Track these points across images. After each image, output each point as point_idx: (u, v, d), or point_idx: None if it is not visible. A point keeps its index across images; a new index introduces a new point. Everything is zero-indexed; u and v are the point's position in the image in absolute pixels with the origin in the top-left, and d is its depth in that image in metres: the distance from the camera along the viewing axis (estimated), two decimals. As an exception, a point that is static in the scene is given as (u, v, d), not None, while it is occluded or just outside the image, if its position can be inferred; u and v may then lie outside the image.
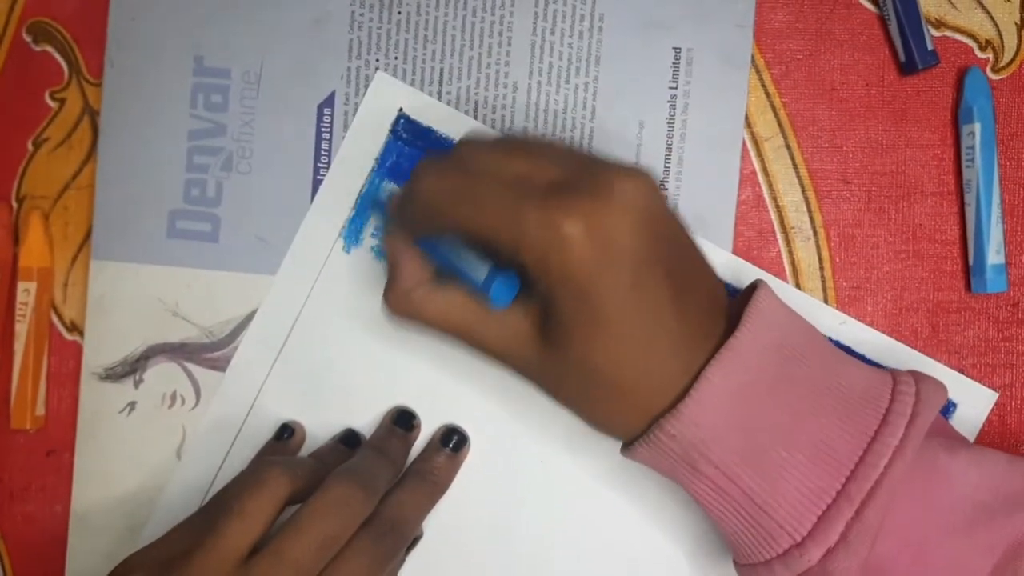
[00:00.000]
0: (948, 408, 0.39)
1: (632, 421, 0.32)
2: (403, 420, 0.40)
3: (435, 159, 0.32)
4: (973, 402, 0.39)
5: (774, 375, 0.31)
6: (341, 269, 0.40)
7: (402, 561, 0.38)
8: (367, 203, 0.40)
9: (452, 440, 0.40)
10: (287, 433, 0.40)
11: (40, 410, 0.41)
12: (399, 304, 0.34)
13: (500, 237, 0.29)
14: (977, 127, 0.39)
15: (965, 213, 0.40)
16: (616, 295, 0.29)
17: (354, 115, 0.40)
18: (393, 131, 0.40)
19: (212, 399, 0.41)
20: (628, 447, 0.33)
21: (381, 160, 0.40)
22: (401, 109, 0.40)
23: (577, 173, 0.30)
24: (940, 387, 0.33)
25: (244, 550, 0.32)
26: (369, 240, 0.40)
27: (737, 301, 0.34)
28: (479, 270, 0.32)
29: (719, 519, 0.32)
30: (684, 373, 0.31)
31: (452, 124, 0.40)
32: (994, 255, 0.39)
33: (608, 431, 0.33)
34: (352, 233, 0.40)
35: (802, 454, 0.30)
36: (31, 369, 0.40)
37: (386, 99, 0.40)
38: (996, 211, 0.39)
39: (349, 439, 0.40)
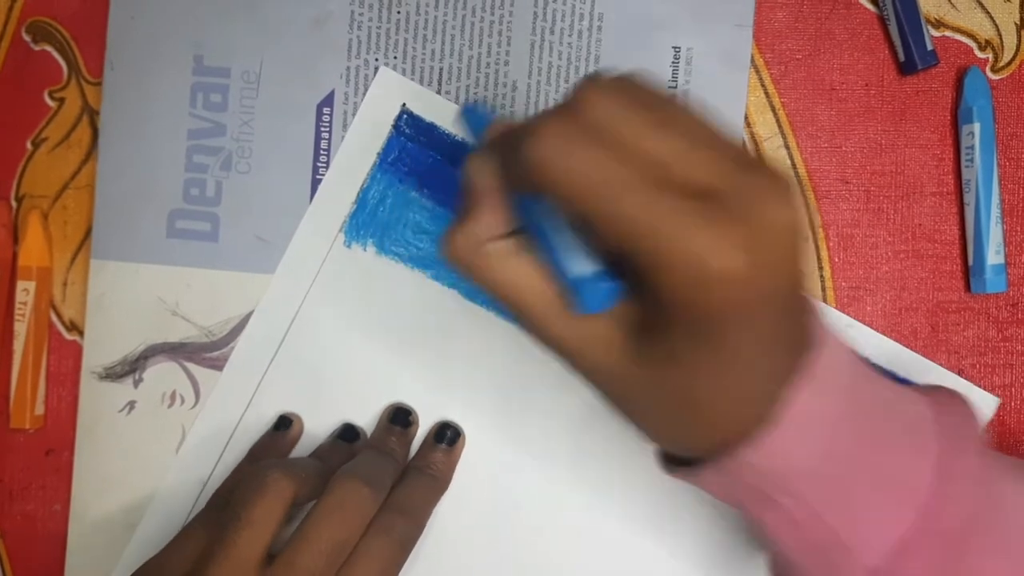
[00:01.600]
0: None
1: (703, 442, 0.29)
2: (400, 417, 0.40)
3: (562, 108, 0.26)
4: (975, 406, 0.39)
5: (848, 402, 0.29)
6: (341, 265, 0.40)
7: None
8: (366, 200, 0.40)
9: (446, 435, 0.40)
10: (285, 424, 0.40)
11: (39, 409, 0.41)
12: (465, 252, 0.28)
13: (636, 243, 0.24)
14: (977, 127, 0.39)
15: (964, 213, 0.40)
16: (748, 337, 0.26)
17: (354, 114, 0.40)
18: (396, 126, 0.40)
19: (209, 396, 0.41)
20: (688, 470, 0.30)
21: (383, 155, 0.40)
22: (404, 104, 0.40)
23: (730, 178, 0.25)
24: (967, 403, 0.32)
25: (257, 559, 0.32)
26: (371, 247, 0.40)
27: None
28: (580, 264, 0.27)
29: (784, 550, 0.30)
30: (766, 399, 0.27)
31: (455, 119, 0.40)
32: (993, 255, 0.39)
33: (670, 447, 0.30)
34: (353, 228, 0.40)
35: (878, 486, 0.29)
36: (30, 369, 0.41)
37: (389, 94, 0.40)
38: (996, 211, 0.39)
39: (347, 433, 0.40)
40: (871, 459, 0.29)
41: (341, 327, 0.40)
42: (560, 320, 0.28)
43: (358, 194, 0.40)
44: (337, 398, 0.40)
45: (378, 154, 0.40)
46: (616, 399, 0.29)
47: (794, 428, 0.27)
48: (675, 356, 0.26)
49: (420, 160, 0.40)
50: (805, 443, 0.28)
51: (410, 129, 0.40)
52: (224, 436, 0.41)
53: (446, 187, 0.40)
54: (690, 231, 0.24)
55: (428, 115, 0.40)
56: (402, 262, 0.40)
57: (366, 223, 0.40)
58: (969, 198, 0.39)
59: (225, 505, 0.35)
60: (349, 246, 0.40)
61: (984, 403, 0.39)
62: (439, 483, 0.39)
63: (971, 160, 0.39)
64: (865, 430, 0.29)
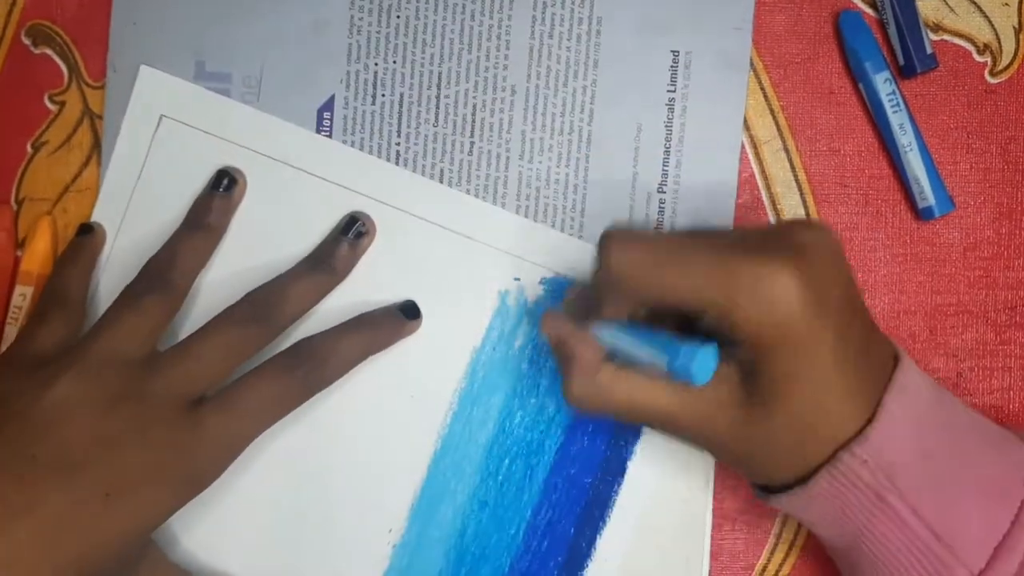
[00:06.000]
0: None
1: (810, 459, 0.31)
2: (352, 227, 0.39)
3: (619, 232, 0.32)
4: None
5: (936, 412, 0.32)
6: None
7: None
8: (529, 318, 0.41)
9: (353, 228, 0.39)
10: (228, 184, 0.40)
11: None
12: (587, 393, 0.33)
13: (709, 297, 0.30)
14: (885, 73, 0.39)
15: (903, 159, 0.39)
16: (826, 345, 0.30)
17: (352, 119, 0.41)
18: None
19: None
20: (800, 488, 0.32)
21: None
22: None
23: (762, 235, 0.31)
24: None
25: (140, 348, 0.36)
26: None
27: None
28: (671, 346, 0.31)
29: (890, 561, 0.32)
30: (864, 410, 0.31)
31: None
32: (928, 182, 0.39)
33: (785, 475, 0.33)
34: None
35: (974, 486, 0.31)
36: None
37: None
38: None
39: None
40: (964, 461, 0.31)
41: None
42: (680, 405, 0.32)
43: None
44: None
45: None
46: (734, 450, 0.33)
47: (894, 424, 0.30)
48: (778, 389, 0.30)
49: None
50: (906, 439, 0.31)
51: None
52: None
53: None
54: (751, 265, 0.29)
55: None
56: None
57: None
58: (906, 139, 0.39)
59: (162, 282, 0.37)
60: None
61: None
62: (334, 278, 0.39)
63: (897, 105, 0.39)
64: (957, 436, 0.32)
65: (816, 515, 0.32)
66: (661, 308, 0.32)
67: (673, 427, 0.33)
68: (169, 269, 0.37)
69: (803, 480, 0.32)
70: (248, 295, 0.37)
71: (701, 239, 0.31)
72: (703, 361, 0.30)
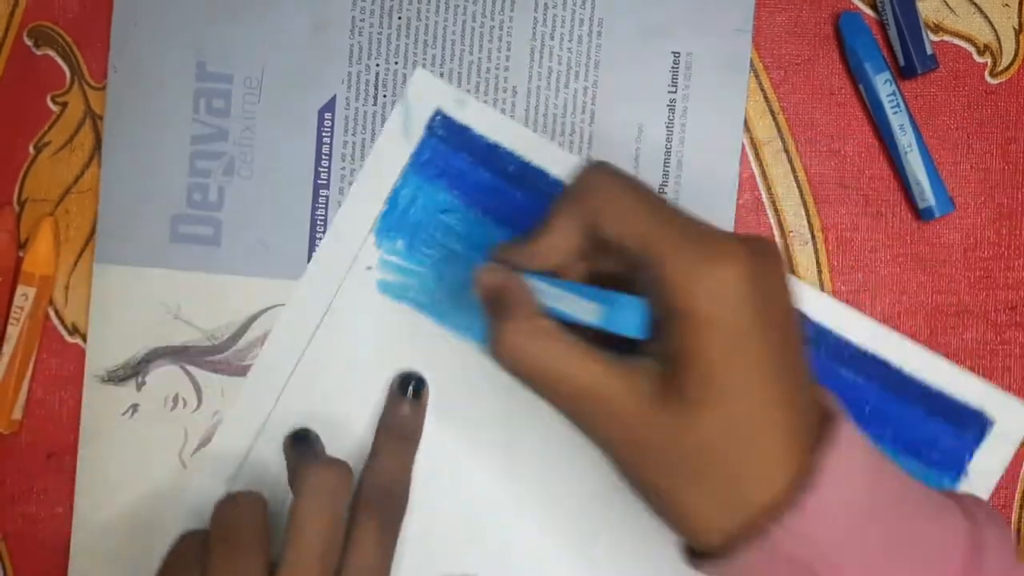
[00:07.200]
0: (985, 425, 0.39)
1: (736, 513, 0.28)
2: (409, 384, 0.39)
3: (608, 164, 0.31)
4: (1012, 418, 0.39)
5: (875, 474, 0.29)
6: (371, 265, 0.41)
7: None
8: (397, 200, 0.40)
9: (410, 386, 0.39)
10: (306, 443, 0.39)
11: (17, 414, 0.41)
12: (517, 346, 0.30)
13: (659, 251, 0.28)
14: (886, 74, 0.39)
15: (903, 159, 0.39)
16: (762, 353, 0.27)
17: (354, 119, 0.41)
18: (429, 127, 0.40)
19: (229, 407, 0.41)
20: (724, 560, 0.28)
21: (415, 156, 0.40)
22: (438, 106, 0.40)
23: (724, 232, 0.29)
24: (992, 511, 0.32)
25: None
26: (401, 246, 0.41)
27: None
28: (609, 296, 0.29)
29: None
30: (793, 460, 0.28)
31: (487, 122, 0.40)
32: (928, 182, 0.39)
33: (696, 523, 0.29)
34: (384, 229, 0.40)
35: (909, 560, 0.29)
36: (15, 373, 0.40)
37: (424, 95, 0.40)
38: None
39: (298, 441, 0.39)
40: (903, 535, 0.29)
41: (370, 329, 0.40)
42: (608, 384, 0.29)
43: (389, 194, 0.41)
44: (352, 420, 0.40)
45: (411, 155, 0.41)
46: (638, 457, 0.29)
47: (832, 491, 0.27)
48: (689, 400, 0.27)
49: (452, 162, 0.40)
50: (843, 509, 0.27)
51: (443, 131, 0.40)
52: (238, 459, 0.41)
53: (476, 189, 0.40)
54: (696, 241, 0.28)
55: (460, 117, 0.40)
56: (421, 311, 0.40)
57: (397, 223, 0.40)
58: (906, 140, 0.39)
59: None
60: (380, 245, 0.40)
61: (1019, 413, 0.39)
62: (411, 443, 0.39)
63: (897, 105, 0.39)
64: (895, 505, 0.29)
65: None
66: (602, 251, 0.31)
67: (593, 409, 0.29)
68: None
69: (729, 546, 0.28)
70: (374, 484, 0.37)
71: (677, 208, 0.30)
72: (642, 310, 0.29)
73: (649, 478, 0.29)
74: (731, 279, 0.27)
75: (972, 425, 0.39)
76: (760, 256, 0.28)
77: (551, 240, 0.31)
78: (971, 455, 0.39)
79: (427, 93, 0.40)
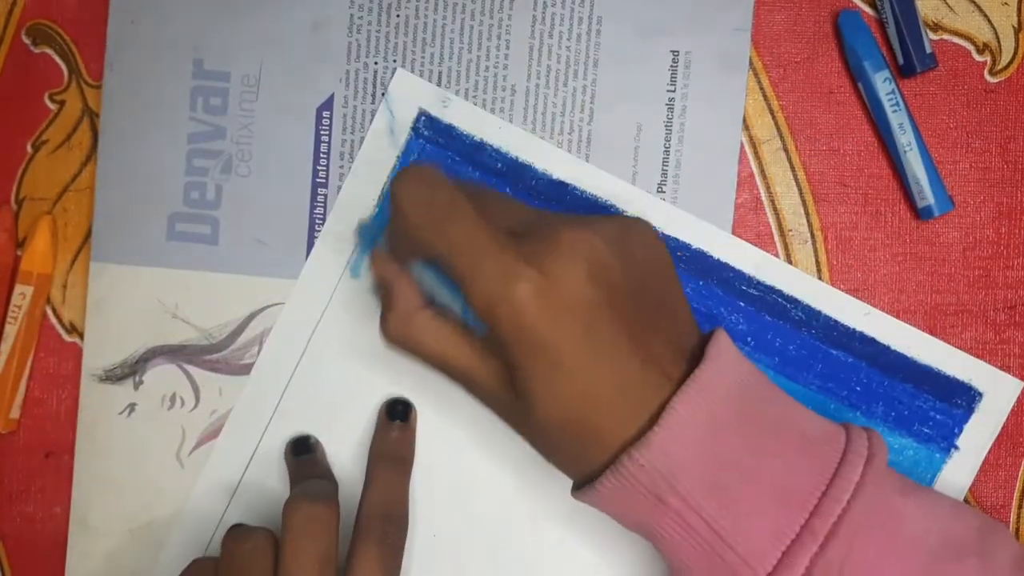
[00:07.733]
0: (973, 398, 0.39)
1: (595, 460, 0.31)
2: (398, 411, 0.40)
3: (416, 169, 0.32)
4: (1000, 390, 0.39)
5: (737, 412, 0.31)
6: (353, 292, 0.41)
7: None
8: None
9: (397, 411, 0.40)
10: (305, 450, 0.40)
11: (14, 413, 0.41)
12: (400, 333, 0.33)
13: (451, 270, 0.30)
14: (884, 73, 0.39)
15: (902, 157, 0.39)
16: (569, 345, 0.30)
17: (353, 118, 0.41)
18: (414, 128, 0.40)
19: (228, 406, 0.41)
20: (589, 486, 0.32)
21: (403, 158, 0.40)
22: (422, 107, 0.40)
23: (532, 228, 0.32)
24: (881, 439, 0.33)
25: None
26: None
27: (697, 345, 0.34)
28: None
29: (680, 559, 0.32)
30: (646, 410, 0.31)
31: (471, 120, 0.40)
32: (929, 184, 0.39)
33: (573, 471, 0.33)
34: (368, 232, 0.40)
35: (766, 490, 0.30)
36: (13, 372, 0.40)
37: (407, 96, 0.40)
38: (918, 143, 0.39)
39: (298, 448, 0.40)
40: (758, 464, 0.31)
41: (364, 332, 0.40)
42: (474, 365, 0.32)
43: (379, 200, 0.40)
44: (354, 422, 0.41)
45: (398, 157, 0.40)
46: (515, 427, 0.33)
47: (677, 429, 0.30)
48: (526, 384, 0.31)
49: (439, 161, 0.40)
50: (688, 444, 0.30)
51: (428, 131, 0.40)
52: (241, 466, 0.41)
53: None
54: (493, 262, 0.30)
55: (445, 117, 0.40)
56: None
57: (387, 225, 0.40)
58: (905, 138, 0.39)
59: None
60: (366, 250, 0.40)
61: (1009, 388, 0.39)
62: (405, 465, 0.39)
63: (896, 104, 0.39)
64: (752, 438, 0.31)
65: (611, 512, 0.33)
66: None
67: (472, 391, 0.33)
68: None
69: (592, 479, 0.32)
70: (372, 513, 0.36)
71: (497, 203, 0.33)
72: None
73: (526, 441, 0.33)
74: (524, 297, 0.29)
75: (961, 399, 0.39)
76: (558, 255, 0.30)
77: (392, 242, 0.34)
78: (961, 429, 0.39)
79: (410, 93, 0.40)
